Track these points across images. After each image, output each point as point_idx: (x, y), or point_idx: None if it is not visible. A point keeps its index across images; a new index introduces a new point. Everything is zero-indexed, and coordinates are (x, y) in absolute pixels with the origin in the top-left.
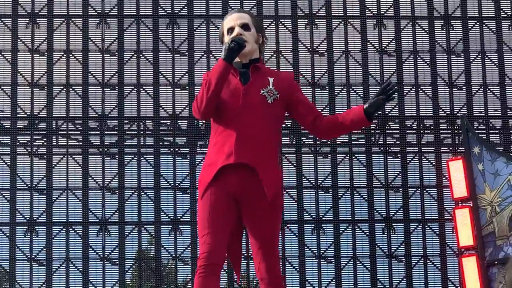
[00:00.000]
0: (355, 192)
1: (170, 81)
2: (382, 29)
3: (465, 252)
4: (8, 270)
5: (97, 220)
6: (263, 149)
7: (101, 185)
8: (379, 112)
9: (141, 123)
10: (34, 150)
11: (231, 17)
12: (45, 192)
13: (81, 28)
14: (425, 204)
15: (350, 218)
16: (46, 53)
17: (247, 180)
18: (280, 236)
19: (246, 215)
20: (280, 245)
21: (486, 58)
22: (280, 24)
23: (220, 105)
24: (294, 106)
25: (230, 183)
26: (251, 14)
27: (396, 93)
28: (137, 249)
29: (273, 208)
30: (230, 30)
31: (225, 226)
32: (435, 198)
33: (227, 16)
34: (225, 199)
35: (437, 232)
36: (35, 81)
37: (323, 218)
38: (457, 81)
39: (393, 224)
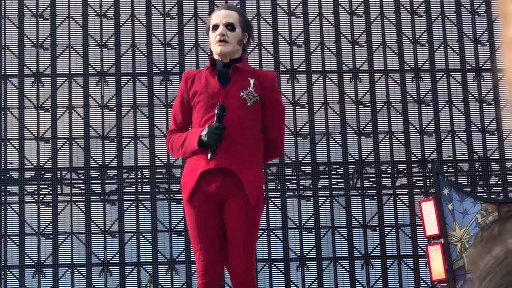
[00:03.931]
0: (336, 231)
1: (164, 132)
2: (358, 82)
3: (438, 285)
4: None
5: (100, 262)
6: (244, 153)
7: (102, 229)
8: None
9: (139, 172)
10: (41, 198)
11: (218, 13)
12: (51, 236)
13: (82, 85)
14: (400, 242)
15: (332, 256)
16: (50, 109)
17: (228, 184)
18: (267, 273)
19: (227, 216)
20: (268, 283)
21: (454, 107)
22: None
23: (198, 107)
24: (264, 111)
25: (212, 187)
26: (240, 12)
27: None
28: (137, 287)
29: (254, 211)
30: (215, 27)
31: (215, 237)
32: (409, 236)
33: (216, 11)
34: (208, 206)
35: (412, 267)
36: (40, 134)
37: (307, 256)
38: (427, 128)
39: (371, 261)
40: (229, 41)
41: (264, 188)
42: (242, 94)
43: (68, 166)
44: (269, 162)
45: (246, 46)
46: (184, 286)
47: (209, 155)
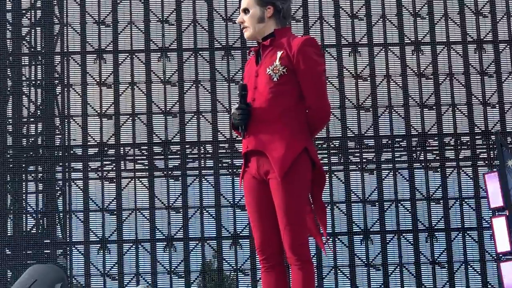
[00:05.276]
0: (399, 204)
1: (227, 107)
2: (420, 54)
3: (503, 257)
4: (84, 285)
5: (164, 237)
6: (273, 130)
7: (166, 205)
8: None
9: (202, 147)
10: (105, 174)
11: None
12: (115, 212)
13: (143, 61)
14: (464, 214)
15: (396, 229)
16: (113, 86)
17: (263, 163)
18: (331, 246)
19: (272, 194)
20: (332, 256)
21: None
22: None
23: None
24: (298, 80)
25: (253, 168)
26: None
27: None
28: (201, 262)
29: (289, 184)
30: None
31: (266, 214)
32: (474, 208)
33: None
34: (255, 186)
35: (476, 240)
36: (103, 111)
37: (371, 230)
38: (490, 100)
39: (435, 233)
40: (248, 25)
41: (327, 161)
42: (268, 70)
43: (131, 142)
44: (332, 136)
45: (279, 16)
46: (248, 260)
47: (242, 135)
